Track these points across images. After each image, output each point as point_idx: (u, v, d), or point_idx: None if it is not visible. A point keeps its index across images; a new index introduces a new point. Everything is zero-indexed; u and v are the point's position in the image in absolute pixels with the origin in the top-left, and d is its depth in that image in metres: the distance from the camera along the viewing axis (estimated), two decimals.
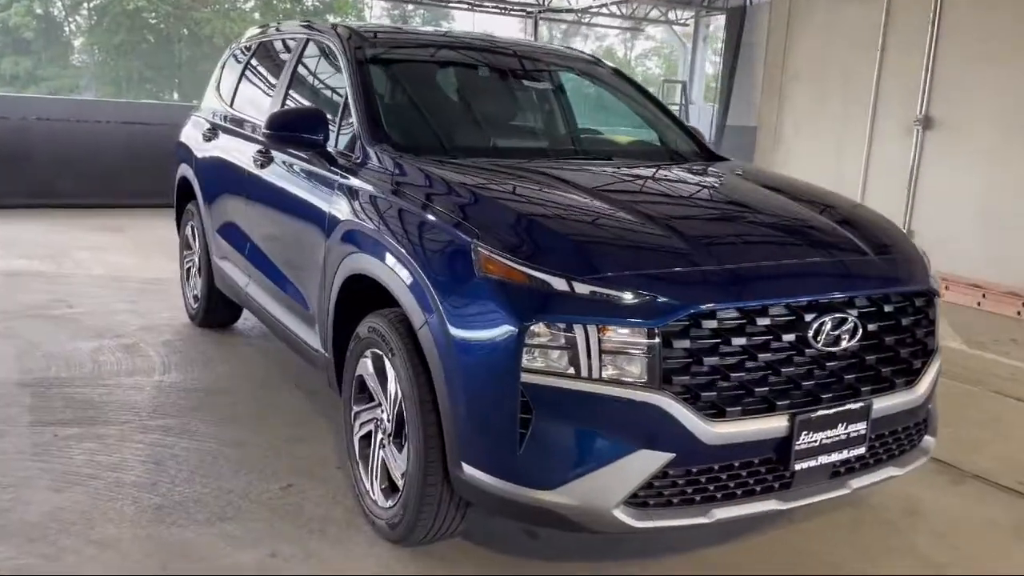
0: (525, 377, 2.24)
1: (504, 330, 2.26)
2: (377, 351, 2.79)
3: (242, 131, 4.28)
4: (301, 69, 3.99)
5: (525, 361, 2.23)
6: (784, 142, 9.06)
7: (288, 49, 4.20)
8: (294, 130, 3.26)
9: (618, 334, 2.21)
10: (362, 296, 2.98)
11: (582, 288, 2.24)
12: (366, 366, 2.89)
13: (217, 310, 4.95)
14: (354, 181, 3.06)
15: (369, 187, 2.96)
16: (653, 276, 2.29)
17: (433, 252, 2.53)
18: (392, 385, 2.71)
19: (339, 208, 3.08)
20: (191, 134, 5.11)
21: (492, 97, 3.83)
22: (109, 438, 3.51)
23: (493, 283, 2.32)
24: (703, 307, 2.23)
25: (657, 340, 2.19)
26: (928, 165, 7.67)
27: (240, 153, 4.18)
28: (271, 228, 3.80)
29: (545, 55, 4.22)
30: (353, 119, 3.27)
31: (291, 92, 3.98)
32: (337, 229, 3.05)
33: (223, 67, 5.19)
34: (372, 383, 2.87)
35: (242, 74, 4.74)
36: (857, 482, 2.57)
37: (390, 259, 2.67)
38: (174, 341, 4.85)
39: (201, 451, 3.42)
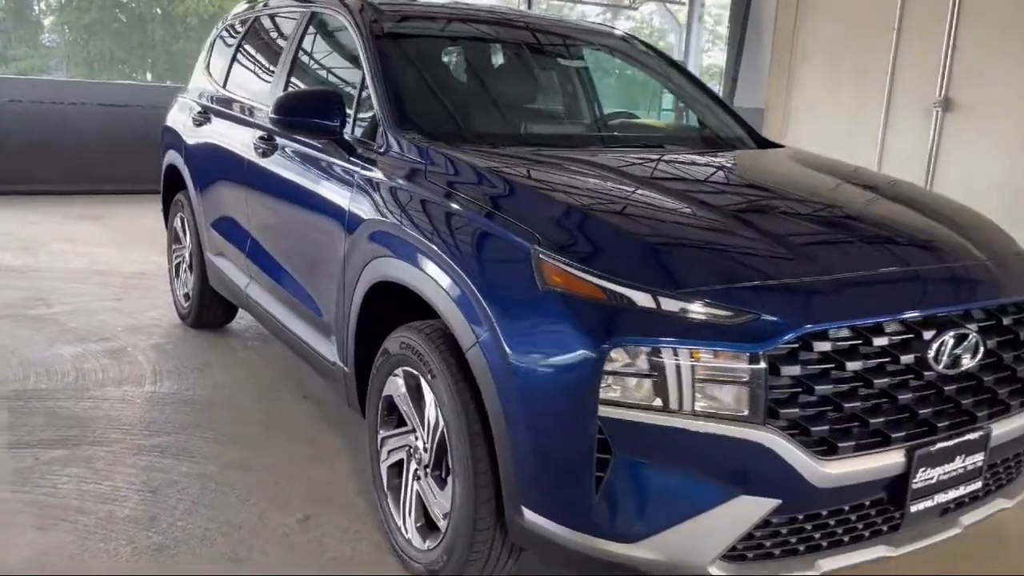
0: (603, 410, 1.89)
1: (577, 355, 1.90)
2: (411, 370, 2.43)
3: (239, 115, 3.87)
4: (306, 47, 3.59)
5: (603, 392, 1.88)
6: (793, 125, 8.73)
7: (289, 25, 3.80)
8: (306, 115, 2.88)
9: (715, 359, 1.86)
10: (390, 305, 2.63)
11: (671, 304, 1.89)
12: (396, 386, 2.53)
13: (211, 310, 4.56)
14: (378, 174, 2.69)
15: (398, 181, 2.59)
16: (755, 289, 1.93)
17: (484, 259, 2.17)
18: (431, 410, 2.35)
19: (361, 204, 2.70)
20: (179, 118, 4.70)
21: (526, 78, 3.46)
22: (98, 461, 3.13)
23: (561, 298, 1.96)
24: (816, 326, 1.88)
25: (762, 366, 1.85)
26: (948, 149, 7.37)
27: (237, 140, 3.78)
28: (276, 225, 3.41)
29: (578, 32, 3.83)
30: (373, 103, 2.89)
31: (295, 73, 3.58)
32: (360, 229, 2.68)
33: (212, 45, 4.77)
34: (404, 406, 2.51)
35: (236, 53, 4.33)
36: (968, 518, 2.25)
37: (430, 266, 2.30)
38: (164, 345, 4.46)
39: (203, 476, 3.05)
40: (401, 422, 2.57)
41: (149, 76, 37.89)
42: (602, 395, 1.88)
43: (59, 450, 3.19)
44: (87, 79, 28.01)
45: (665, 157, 2.91)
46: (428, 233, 2.35)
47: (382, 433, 2.65)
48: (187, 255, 4.65)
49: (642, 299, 1.90)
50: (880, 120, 7.92)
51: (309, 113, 2.88)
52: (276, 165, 3.35)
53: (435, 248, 2.29)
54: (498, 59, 3.47)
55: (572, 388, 1.92)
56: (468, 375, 2.18)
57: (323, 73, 3.54)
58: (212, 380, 3.98)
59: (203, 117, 4.29)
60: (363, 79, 3.02)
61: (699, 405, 1.86)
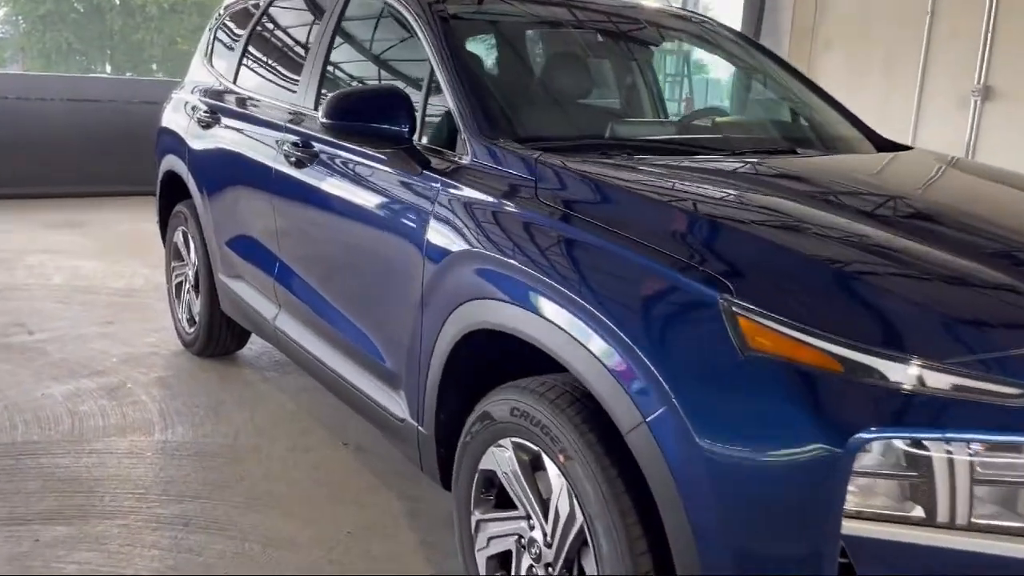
0: (848, 526, 1.39)
1: (810, 450, 1.40)
2: (526, 443, 1.92)
3: (260, 117, 3.31)
4: (345, 35, 3.04)
5: (849, 500, 1.38)
6: None
7: (318, 8, 3.24)
8: (367, 118, 2.33)
9: (1004, 455, 1.37)
10: (489, 354, 2.12)
11: (938, 380, 1.39)
12: (501, 460, 2.02)
13: (221, 337, 4.00)
14: (467, 191, 2.16)
15: (498, 201, 2.07)
16: None
17: (649, 311, 1.65)
18: (561, 499, 1.84)
19: (445, 231, 2.17)
20: (178, 119, 4.12)
21: (630, 70, 2.94)
22: (111, 540, 2.58)
23: (774, 368, 1.46)
24: None
25: None
26: (988, 140, 6.97)
27: (259, 145, 3.22)
28: (319, 249, 2.87)
29: (666, 18, 3.28)
30: (449, 103, 2.36)
31: (331, 67, 3.03)
32: (446, 262, 2.15)
33: (214, 35, 4.20)
34: (513, 486, 2.00)
35: (248, 43, 3.76)
36: None
37: (560, 315, 1.78)
38: (169, 379, 3.89)
39: (241, 556, 2.52)
40: (505, 502, 2.06)
41: (108, 68, 36.69)
42: (848, 505, 1.38)
43: (62, 526, 2.64)
44: (49, 72, 26.94)
45: (819, 167, 2.41)
46: (555, 272, 1.83)
47: (478, 515, 2.13)
48: (191, 274, 4.08)
49: (899, 372, 1.40)
50: (911, 111, 7.50)
51: (371, 116, 2.34)
52: (317, 177, 2.80)
53: (567, 291, 1.78)
54: (595, 47, 2.94)
55: (801, 495, 1.42)
56: (624, 459, 1.67)
57: (369, 67, 3.00)
58: (231, 423, 3.43)
59: (211, 118, 3.72)
60: (429, 74, 2.49)
61: (979, 516, 1.37)
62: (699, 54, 3.17)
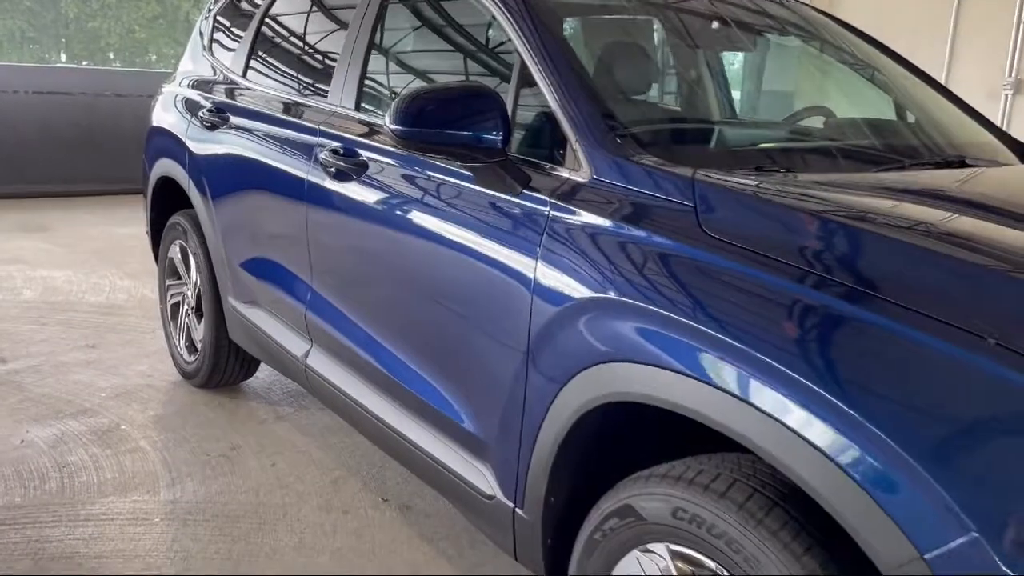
0: None
1: None
2: (694, 554, 1.47)
3: (286, 118, 2.81)
4: (394, 19, 2.56)
5: None
6: None
7: None
8: (447, 125, 1.85)
9: None
10: (617, 427, 1.67)
11: None
12: (652, 568, 1.56)
13: (228, 367, 3.49)
14: (594, 219, 1.70)
15: (648, 234, 1.60)
16: None
17: (918, 399, 1.20)
18: None
19: (563, 269, 1.71)
20: (172, 118, 3.60)
21: (783, 62, 2.48)
22: None
23: None
24: None
25: None
26: (1018, 134, 6.64)
27: (288, 152, 2.72)
28: (372, 278, 2.38)
29: (786, 8, 2.80)
30: (552, 105, 1.89)
31: (375, 59, 2.54)
32: (568, 311, 1.68)
33: (215, 21, 3.67)
34: None
35: (258, 30, 3.25)
36: None
37: (763, 395, 1.33)
38: (169, 418, 3.38)
39: None
40: None
41: (63, 56, 35.47)
42: None
43: None
44: (23, 63, 25.81)
45: (987, 181, 1.98)
46: (753, 334, 1.37)
47: None
48: (190, 295, 3.57)
49: None
50: None
51: (453, 123, 1.86)
52: (367, 193, 2.31)
53: (777, 363, 1.32)
54: (710, 38, 2.48)
55: None
56: None
57: (426, 60, 2.51)
58: (249, 476, 2.93)
59: (217, 117, 3.20)
60: (519, 67, 2.01)
61: None
62: (815, 47, 2.72)
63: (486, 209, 1.92)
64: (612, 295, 1.60)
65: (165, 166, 3.61)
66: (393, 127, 1.89)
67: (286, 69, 3.07)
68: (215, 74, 3.51)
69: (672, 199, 1.61)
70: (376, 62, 2.54)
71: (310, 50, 3.01)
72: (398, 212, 2.18)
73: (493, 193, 1.90)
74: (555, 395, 1.71)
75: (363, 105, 2.52)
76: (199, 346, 3.54)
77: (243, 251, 3.05)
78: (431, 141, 1.89)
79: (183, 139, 3.41)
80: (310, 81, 2.89)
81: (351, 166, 2.38)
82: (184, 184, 3.41)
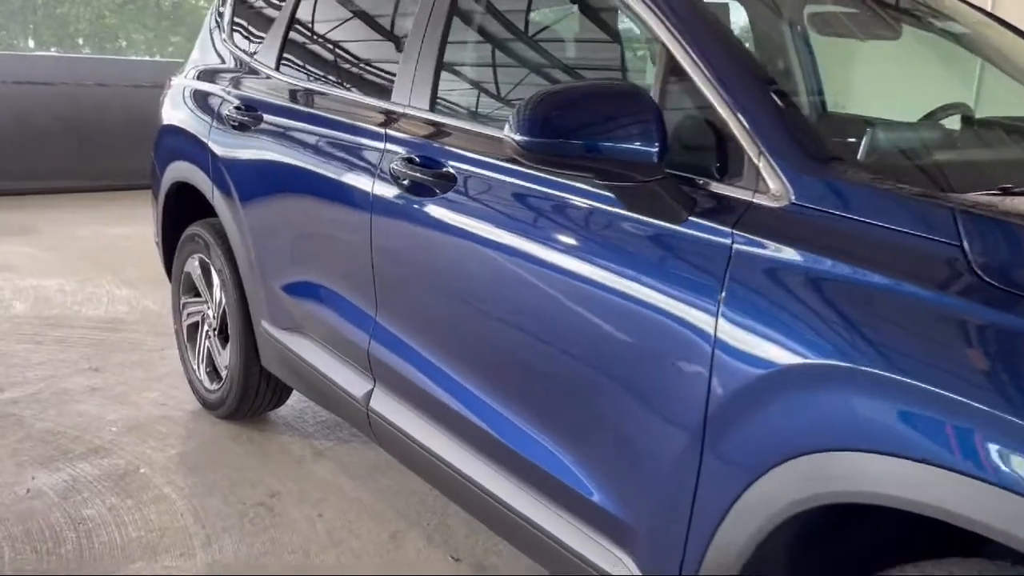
0: None
1: None
2: None
3: (341, 120, 2.41)
4: (471, 6, 2.17)
5: None
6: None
7: None
8: (593, 135, 1.47)
9: None
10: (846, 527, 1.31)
11: None
12: None
13: (257, 397, 3.10)
14: (807, 259, 1.32)
15: (895, 281, 1.22)
16: None
17: None
18: None
19: (762, 323, 1.33)
20: (189, 116, 3.19)
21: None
22: None
23: None
24: None
25: None
26: None
27: (344, 158, 2.33)
28: (465, 313, 1.98)
29: None
30: (720, 109, 1.51)
31: (452, 48, 2.15)
32: (772, 379, 1.31)
33: (235, 4, 3.26)
34: None
35: (294, 15, 2.84)
36: None
37: None
38: (193, 456, 2.98)
39: None
40: None
41: (31, 43, 34.39)
42: None
43: None
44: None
45: None
46: None
47: None
48: (212, 316, 3.16)
49: None
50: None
51: (599, 130, 1.47)
52: (458, 211, 1.93)
53: None
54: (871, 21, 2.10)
55: None
56: None
57: (521, 50, 2.13)
58: (294, 530, 2.55)
59: (247, 116, 2.80)
60: (664, 59, 1.63)
61: None
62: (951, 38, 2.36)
63: (638, 240, 1.54)
64: (842, 362, 1.23)
65: (181, 170, 3.19)
66: (518, 138, 1.51)
67: (331, 60, 2.68)
68: (238, 66, 3.10)
69: (923, 234, 1.25)
70: (456, 52, 2.15)
71: (363, 38, 2.61)
72: (506, 240, 1.79)
73: (648, 220, 1.52)
74: (744, 488, 1.35)
75: (440, 104, 2.13)
76: (223, 373, 3.14)
77: (283, 270, 2.65)
78: (568, 155, 1.50)
79: (204, 140, 3.00)
80: (364, 75, 2.50)
81: (432, 179, 1.99)
82: (207, 191, 3.00)
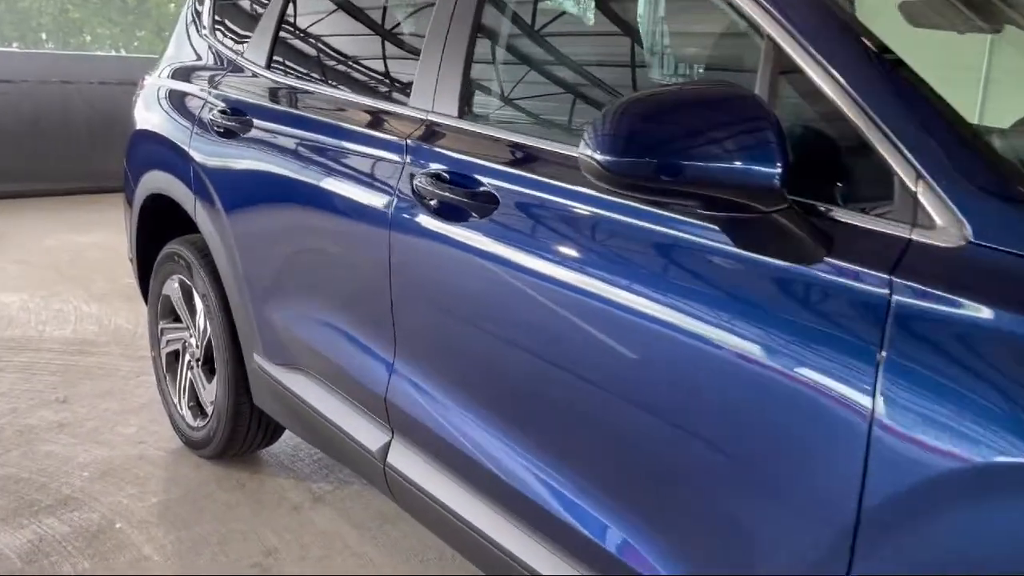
0: None
1: None
2: None
3: (349, 127, 2.07)
4: None
5: None
6: None
7: None
8: (696, 153, 1.15)
9: None
10: None
11: None
12: None
13: (248, 436, 2.75)
14: (998, 316, 1.01)
15: None
16: None
17: None
18: None
19: (935, 405, 1.02)
20: (166, 120, 2.83)
21: None
22: None
23: None
24: None
25: None
26: None
27: (355, 175, 2.00)
28: (523, 370, 1.64)
29: None
30: (855, 122, 1.19)
31: (482, 45, 1.83)
32: (955, 479, 1.00)
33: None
34: None
35: (285, 6, 2.49)
36: None
37: None
38: (176, 507, 2.63)
39: None
40: None
41: None
42: None
43: None
44: None
45: None
46: None
47: None
48: (195, 345, 2.81)
49: None
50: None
51: (701, 147, 1.15)
52: (503, 242, 1.60)
53: None
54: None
55: None
56: None
57: (570, 43, 1.80)
58: None
59: (234, 122, 2.45)
60: (771, 57, 1.31)
61: None
62: None
63: (761, 285, 1.22)
64: None
65: (158, 181, 2.84)
66: (599, 157, 1.19)
67: (332, 57, 2.33)
68: (220, 63, 2.75)
69: None
70: (491, 46, 1.82)
71: (370, 31, 2.27)
72: (567, 278, 1.47)
73: (771, 261, 1.21)
74: None
75: (472, 110, 1.81)
76: (208, 409, 2.79)
77: (280, 300, 2.31)
78: (661, 178, 1.18)
79: (184, 148, 2.65)
80: (375, 75, 2.16)
81: (468, 200, 1.67)
82: (188, 206, 2.65)
